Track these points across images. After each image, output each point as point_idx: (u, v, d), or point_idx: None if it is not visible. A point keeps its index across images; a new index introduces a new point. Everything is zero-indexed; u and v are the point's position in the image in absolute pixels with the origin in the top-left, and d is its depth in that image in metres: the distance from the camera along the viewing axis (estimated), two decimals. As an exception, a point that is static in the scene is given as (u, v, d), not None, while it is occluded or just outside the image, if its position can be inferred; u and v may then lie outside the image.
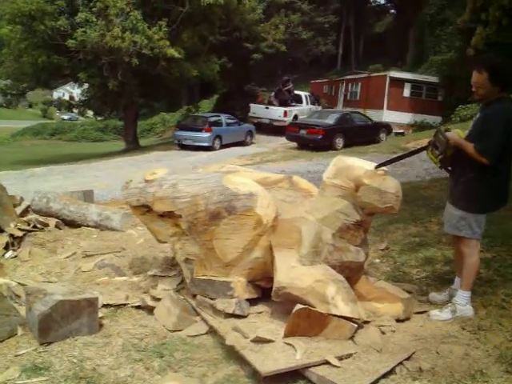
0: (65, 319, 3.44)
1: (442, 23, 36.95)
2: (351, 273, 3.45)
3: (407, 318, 3.53)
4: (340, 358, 2.96)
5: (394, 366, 2.93)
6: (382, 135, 20.90)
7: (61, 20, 18.33)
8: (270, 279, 3.69)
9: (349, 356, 3.00)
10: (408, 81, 27.54)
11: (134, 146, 22.64)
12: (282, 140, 22.09)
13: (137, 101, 20.43)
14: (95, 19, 17.45)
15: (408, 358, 3.03)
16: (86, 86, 21.24)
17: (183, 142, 20.07)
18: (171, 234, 4.04)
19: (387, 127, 21.67)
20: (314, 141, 18.63)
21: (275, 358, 2.92)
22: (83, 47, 17.52)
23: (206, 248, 3.71)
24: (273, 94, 26.46)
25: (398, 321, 3.47)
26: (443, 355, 3.07)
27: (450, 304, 3.63)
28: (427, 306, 3.80)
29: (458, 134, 3.53)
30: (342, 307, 3.12)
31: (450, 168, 3.66)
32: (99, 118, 44.09)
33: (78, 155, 23.40)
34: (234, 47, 25.41)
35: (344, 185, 3.35)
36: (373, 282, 3.68)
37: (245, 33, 23.73)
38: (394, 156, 3.74)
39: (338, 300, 3.13)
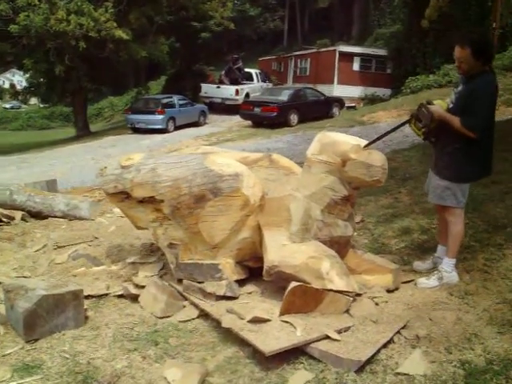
0: (50, 314, 3.34)
1: (385, -4, 37.48)
2: (340, 247, 3.48)
3: (396, 288, 3.60)
4: (339, 332, 2.99)
5: (392, 336, 2.98)
6: (335, 110, 21.06)
7: (1, 4, 17.49)
8: (258, 259, 3.69)
9: (347, 329, 3.04)
10: (357, 54, 27.83)
11: (84, 132, 22.05)
12: (236, 119, 22.01)
13: (85, 86, 19.80)
14: (38, 2, 16.72)
15: (404, 327, 3.09)
16: (28, 73, 20.32)
17: (136, 126, 19.67)
18: (152, 220, 3.96)
19: (340, 102, 21.85)
20: (268, 118, 18.63)
21: (276, 337, 2.92)
22: (27, 32, 16.79)
23: (191, 231, 3.66)
24: (223, 72, 26.19)
25: (388, 291, 3.53)
26: (436, 322, 3.14)
27: (436, 271, 3.72)
28: (413, 275, 3.88)
29: (441, 106, 3.57)
30: (338, 282, 3.15)
31: (433, 139, 3.70)
32: (42, 106, 42.91)
33: (27, 144, 22.66)
34: (181, 27, 24.95)
35: (330, 160, 3.34)
36: (361, 255, 3.72)
37: (192, 11, 23.29)
38: (379, 135, 3.77)
39: (332, 275, 3.15)
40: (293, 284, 3.13)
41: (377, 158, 3.31)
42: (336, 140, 3.39)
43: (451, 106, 3.59)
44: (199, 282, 3.68)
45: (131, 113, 20.36)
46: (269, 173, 3.81)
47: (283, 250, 3.29)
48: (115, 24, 17.23)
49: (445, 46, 22.21)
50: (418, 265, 4.02)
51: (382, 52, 27.81)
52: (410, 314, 3.25)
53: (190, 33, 26.33)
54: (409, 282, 3.76)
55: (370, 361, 2.79)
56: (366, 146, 3.42)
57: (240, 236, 3.55)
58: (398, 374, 2.69)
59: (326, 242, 3.39)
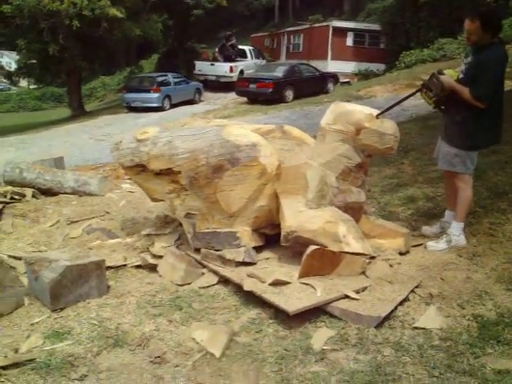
0: (74, 284, 3.46)
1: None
2: (354, 213, 3.62)
3: (407, 251, 3.77)
4: (357, 292, 3.15)
5: (408, 294, 3.15)
6: (330, 85, 21.09)
7: (-6, -15, 17.30)
8: (274, 226, 3.83)
9: (364, 289, 3.20)
10: (350, 30, 27.74)
11: (80, 112, 21.97)
12: (230, 96, 22.01)
13: (80, 65, 19.67)
14: (30, -18, 16.56)
15: (417, 286, 3.27)
16: (21, 53, 20.09)
17: (132, 104, 19.62)
18: (169, 191, 4.07)
19: (334, 77, 21.85)
20: (264, 94, 18.65)
21: (297, 298, 3.07)
22: (20, 12, 16.62)
23: (209, 201, 3.78)
24: (217, 49, 26.05)
25: (400, 254, 3.70)
26: (448, 281, 3.32)
27: (444, 235, 3.88)
28: (421, 240, 4.05)
29: (451, 76, 3.69)
30: (354, 244, 3.31)
31: (443, 108, 3.82)
32: (33, 87, 42.46)
33: (21, 125, 22.55)
34: (173, 4, 24.70)
35: (344, 129, 3.47)
36: (373, 220, 3.87)
37: (185, -12, 23.12)
38: (392, 103, 3.90)
39: (349, 238, 3.31)
40: (311, 247, 3.28)
41: (389, 127, 3.45)
42: (350, 109, 3.52)
43: (461, 76, 3.71)
44: (217, 250, 3.81)
45: (126, 91, 20.30)
46: (282, 143, 3.94)
47: (300, 216, 3.42)
48: (109, 2, 17.09)
49: (438, 20, 22.27)
50: (426, 229, 4.18)
51: (375, 27, 27.71)
52: (422, 274, 3.43)
53: (183, 10, 26.09)
54: (418, 245, 3.93)
55: (388, 317, 2.96)
56: (378, 114, 3.54)
57: (257, 204, 3.68)
58: (416, 328, 2.87)
59: (341, 207, 3.54)
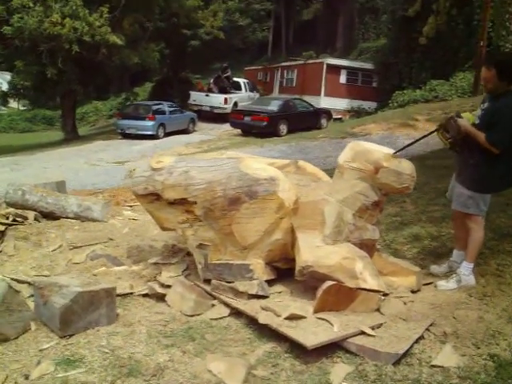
0: (85, 310, 3.43)
1: (370, 11, 38.17)
2: (368, 250, 3.67)
3: (418, 290, 3.81)
4: (372, 328, 3.18)
5: (423, 332, 3.18)
6: (323, 121, 21.44)
7: (-4, 6, 17.45)
8: (288, 260, 3.86)
9: (380, 326, 3.23)
10: (344, 67, 28.28)
11: (73, 136, 21.98)
12: (224, 127, 22.23)
13: (76, 89, 19.79)
14: (32, 5, 16.72)
15: (431, 324, 3.30)
16: (20, 75, 20.14)
17: (126, 131, 19.71)
18: (181, 221, 4.09)
19: (328, 113, 22.23)
20: (258, 127, 18.87)
21: (314, 332, 3.09)
22: (20, 34, 16.76)
23: (223, 233, 3.81)
24: (212, 81, 26.40)
25: (412, 292, 3.74)
26: (460, 320, 3.36)
27: (454, 274, 3.95)
28: (431, 278, 4.10)
29: (468, 119, 3.82)
30: (371, 281, 3.35)
31: (458, 150, 3.91)
32: (23, 108, 42.38)
33: (13, 147, 22.49)
34: (171, 34, 25.08)
35: (363, 167, 3.56)
36: (385, 258, 3.93)
37: (184, 19, 23.48)
38: (408, 142, 4.02)
39: (366, 275, 3.35)
40: (328, 283, 3.31)
41: (406, 167, 3.54)
42: (369, 149, 3.61)
43: (477, 121, 3.82)
44: (228, 282, 3.82)
45: (121, 118, 20.43)
46: (297, 178, 4.00)
47: (317, 251, 3.47)
48: (109, 29, 17.32)
49: (431, 62, 22.84)
50: (434, 268, 4.25)
51: (368, 66, 28.33)
52: (435, 312, 3.47)
53: (180, 40, 26.50)
54: (429, 284, 3.98)
55: (404, 355, 2.98)
56: (396, 152, 3.63)
57: (272, 237, 3.72)
58: (433, 366, 2.90)
59: (356, 244, 3.60)
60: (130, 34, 19.15)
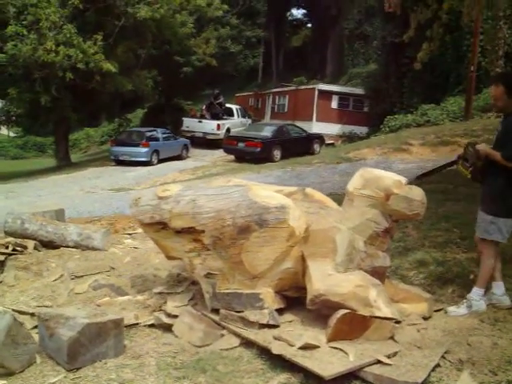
0: (92, 343, 3.37)
1: (359, 37, 38.78)
2: (379, 277, 3.65)
3: (430, 316, 3.79)
4: (388, 357, 3.14)
5: (438, 359, 3.15)
6: (316, 146, 21.60)
7: (-11, 33, 17.53)
8: (298, 289, 3.83)
9: (395, 354, 3.20)
10: (335, 93, 28.67)
11: (66, 163, 21.97)
12: (217, 153, 22.32)
13: (69, 116, 19.84)
14: (27, 33, 16.84)
15: (446, 352, 3.27)
16: (13, 102, 20.19)
17: (120, 158, 19.76)
18: (188, 250, 4.05)
19: (321, 138, 22.42)
20: (252, 153, 18.97)
21: (330, 362, 3.05)
22: (14, 61, 16.82)
23: (232, 261, 3.78)
24: (204, 107, 26.60)
25: (424, 319, 3.72)
26: (475, 346, 3.35)
27: (464, 300, 3.96)
28: (440, 304, 4.08)
29: (484, 145, 3.88)
30: (385, 309, 3.33)
31: (480, 178, 3.94)
32: (13, 135, 42.36)
33: (5, 174, 22.39)
34: (164, 61, 25.30)
35: (373, 194, 3.56)
36: (396, 285, 3.91)
37: (176, 46, 23.73)
38: (426, 170, 4.07)
39: (379, 303, 3.33)
40: (341, 311, 3.28)
41: (417, 193, 3.56)
42: (379, 175, 3.62)
43: (491, 146, 3.87)
44: (237, 312, 3.77)
45: (115, 145, 20.47)
46: (306, 206, 3.99)
47: (329, 279, 3.44)
48: (103, 56, 17.44)
49: (422, 87, 23.15)
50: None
51: (359, 91, 28.70)
52: (448, 339, 3.45)
53: (172, 67, 26.71)
54: (439, 310, 3.96)
55: (422, 383, 2.94)
56: (418, 177, 3.65)
57: (283, 266, 3.69)
58: (453, 395, 2.86)
59: (368, 271, 3.58)
60: (123, 61, 19.30)
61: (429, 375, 3.02)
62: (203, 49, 25.03)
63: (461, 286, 4.42)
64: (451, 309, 3.93)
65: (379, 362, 3.09)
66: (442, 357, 3.22)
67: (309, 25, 51.87)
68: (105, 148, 32.21)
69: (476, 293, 3.90)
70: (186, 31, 22.66)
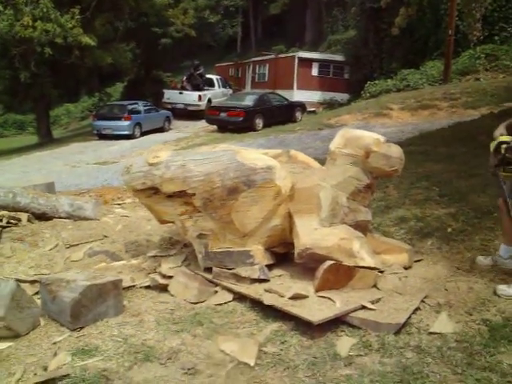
0: (93, 303, 3.54)
1: (337, 4, 38.52)
2: (361, 230, 3.87)
3: (410, 266, 4.04)
4: (372, 303, 3.38)
5: (419, 303, 3.41)
6: (298, 114, 21.71)
7: (-35, 12, 17.20)
8: (286, 245, 4.05)
9: (378, 300, 3.44)
10: (315, 60, 28.64)
11: (48, 139, 21.87)
12: (199, 124, 22.36)
13: (49, 92, 19.67)
14: (2, 8, 16.56)
15: (426, 296, 3.54)
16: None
17: (102, 132, 19.73)
18: (180, 213, 4.23)
19: (302, 106, 22.50)
20: (234, 123, 19.03)
21: (318, 309, 3.28)
22: (-9, 38, 16.65)
23: (223, 222, 3.97)
24: (185, 78, 26.45)
25: (405, 268, 3.97)
26: (452, 291, 3.62)
27: None
28: (420, 255, 4.33)
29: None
30: (368, 259, 3.56)
31: None
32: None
33: (-15, 152, 22.23)
34: (142, 33, 25.05)
35: (354, 153, 3.76)
36: (378, 238, 4.14)
37: (154, 18, 23.49)
38: None
39: (363, 253, 3.56)
40: (327, 262, 3.50)
41: (395, 151, 3.76)
42: (359, 135, 3.81)
43: None
44: (229, 269, 3.98)
45: (97, 119, 20.39)
46: (290, 166, 4.18)
47: (315, 234, 3.65)
48: (81, 30, 17.26)
49: (401, 52, 23.28)
50: (479, 260, 4.12)
51: (339, 58, 28.72)
52: (428, 286, 3.71)
53: (151, 39, 26.47)
54: (419, 260, 4.21)
55: (404, 325, 3.20)
56: None
57: (271, 224, 3.89)
58: (431, 333, 3.13)
59: (351, 225, 3.80)
60: (101, 34, 19.13)
61: (409, 317, 3.27)
62: (181, 19, 24.80)
63: (439, 239, 4.67)
64: (501, 287, 3.61)
65: (364, 307, 3.32)
66: (422, 301, 3.47)
67: (287, -9, 51.32)
68: (86, 123, 31.99)
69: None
70: (163, 2, 22.43)
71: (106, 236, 5.66)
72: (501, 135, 3.69)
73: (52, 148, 18.97)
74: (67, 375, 2.90)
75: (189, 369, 3.01)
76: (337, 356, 2.98)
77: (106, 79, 36.49)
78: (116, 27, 21.75)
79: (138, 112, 20.60)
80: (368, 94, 21.06)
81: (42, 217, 6.30)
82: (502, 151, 3.54)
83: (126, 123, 19.53)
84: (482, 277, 3.82)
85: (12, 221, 5.93)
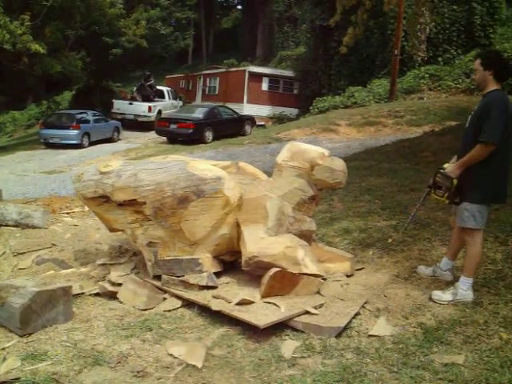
0: (43, 309, 3.57)
1: (289, 20, 39.30)
2: (306, 240, 4.05)
3: (352, 274, 4.25)
4: (315, 308, 3.56)
5: (359, 309, 3.60)
6: (247, 127, 21.97)
7: None
8: (233, 253, 4.19)
9: (321, 306, 3.62)
10: (266, 75, 29.15)
11: (-8, 147, 21.26)
12: (149, 135, 22.29)
13: (-6, 99, 19.20)
14: (-51, 13, 16.11)
15: (366, 302, 3.75)
16: None
17: (50, 141, 19.35)
18: (131, 221, 4.30)
19: (252, 120, 22.78)
20: (184, 135, 19.06)
21: (264, 314, 3.43)
22: None
23: (173, 230, 4.07)
24: (135, 89, 26.33)
25: (347, 276, 4.17)
26: (390, 297, 3.84)
27: (452, 287, 3.84)
28: (361, 264, 4.55)
29: (451, 166, 3.87)
30: (312, 267, 3.73)
31: (457, 200, 3.83)
32: None
33: None
34: (92, 42, 24.80)
35: (300, 166, 3.95)
36: (322, 247, 4.33)
37: (105, 28, 23.31)
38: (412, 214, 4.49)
39: (307, 261, 3.73)
40: (273, 270, 3.66)
41: (339, 164, 3.97)
42: (305, 149, 4.01)
43: (467, 125, 3.85)
44: (178, 277, 4.08)
45: (45, 127, 20.00)
46: (239, 178, 4.33)
47: (261, 242, 3.81)
48: (31, 37, 16.95)
49: (349, 70, 23.98)
50: (421, 269, 4.31)
51: (288, 73, 29.30)
52: (368, 292, 3.92)
53: (101, 48, 26.23)
54: (360, 269, 4.43)
55: (344, 328, 3.39)
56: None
57: (219, 232, 4.02)
58: (370, 336, 3.33)
59: (296, 235, 3.98)
60: (51, 42, 18.82)
61: (350, 321, 3.47)
62: (133, 30, 24.71)
63: (380, 249, 4.92)
64: (436, 292, 3.82)
65: (307, 312, 3.50)
66: (362, 307, 3.68)
67: (239, 7, 52.00)
68: (32, 132, 31.21)
69: (464, 282, 3.77)
70: (115, 12, 22.30)
71: (54, 244, 5.64)
72: (449, 163, 3.98)
73: (-4, 156, 18.49)
74: (17, 379, 2.93)
75: (138, 372, 3.09)
76: (281, 358, 3.13)
77: (54, 87, 35.77)
78: (67, 35, 21.46)
79: (87, 121, 20.33)
80: (316, 110, 21.55)
81: (-12, 224, 6.22)
82: (436, 176, 3.87)
83: (75, 132, 19.24)
84: (419, 284, 4.07)
85: (-44, 228, 5.83)
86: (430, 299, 3.81)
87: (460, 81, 19.50)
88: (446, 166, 3.94)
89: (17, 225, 6.19)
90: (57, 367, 3.07)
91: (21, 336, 3.43)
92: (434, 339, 3.21)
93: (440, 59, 21.73)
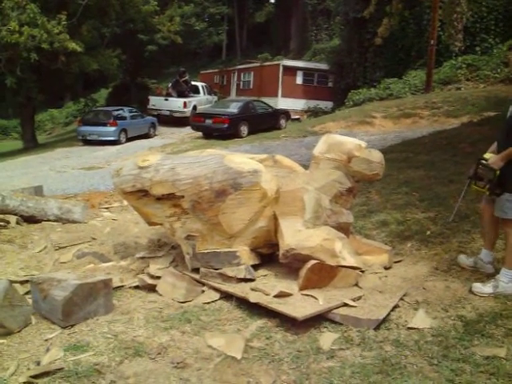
0: (84, 301, 3.66)
1: (322, 13, 38.98)
2: (343, 232, 4.04)
3: (390, 266, 4.21)
4: (353, 300, 3.54)
5: (398, 301, 3.57)
6: (282, 121, 21.88)
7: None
8: (271, 246, 4.20)
9: (359, 298, 3.61)
10: (300, 69, 28.94)
11: (33, 145, 21.80)
12: (185, 131, 22.44)
13: (35, 97, 19.65)
14: (-12, 14, 16.60)
15: (404, 295, 3.71)
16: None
17: (88, 138, 19.70)
18: (169, 215, 4.36)
19: (286, 114, 22.68)
20: (219, 130, 19.12)
21: (302, 306, 3.44)
22: (-23, 43, 16.63)
23: (210, 223, 4.11)
24: (170, 85, 26.54)
25: (385, 268, 4.14)
26: (429, 290, 3.79)
27: (492, 280, 3.78)
28: (400, 257, 4.50)
29: (493, 157, 3.78)
30: (349, 259, 3.72)
31: (498, 192, 3.75)
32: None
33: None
34: (128, 39, 25.14)
35: (337, 158, 3.94)
36: (360, 239, 4.31)
37: (140, 25, 23.60)
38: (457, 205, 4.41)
39: (345, 253, 3.73)
40: (311, 262, 3.66)
41: (376, 156, 3.94)
42: (342, 140, 3.99)
43: (510, 114, 3.81)
44: (216, 269, 4.12)
45: (82, 125, 20.38)
46: (276, 170, 4.34)
47: (299, 235, 3.81)
48: (68, 36, 17.29)
49: (384, 61, 23.66)
50: (461, 258, 4.24)
51: (323, 66, 29.06)
52: (406, 285, 3.89)
53: (137, 45, 26.56)
54: (399, 261, 4.39)
55: (383, 320, 3.37)
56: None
57: (257, 225, 4.05)
58: (410, 328, 3.31)
59: (334, 227, 3.97)
60: (88, 40, 19.18)
61: (389, 314, 3.45)
62: (167, 26, 24.88)
63: (418, 241, 4.86)
64: (477, 285, 3.76)
65: (345, 304, 3.49)
66: (401, 299, 3.66)
67: (272, 1, 51.78)
68: (70, 129, 31.91)
69: (505, 274, 3.71)
70: (150, 9, 22.53)
71: (94, 238, 5.76)
72: (488, 152, 3.92)
73: (37, 153, 18.92)
74: (61, 369, 3.00)
75: (178, 363, 3.14)
76: (319, 350, 3.14)
77: (91, 85, 36.47)
78: (102, 33, 21.84)
79: (124, 118, 20.61)
80: (351, 103, 21.34)
81: (31, 219, 6.40)
82: (478, 167, 3.80)
83: (112, 129, 19.53)
84: (459, 276, 4.01)
85: (1, 223, 6.01)
86: (470, 292, 3.75)
87: (498, 70, 18.95)
88: (487, 156, 3.87)
89: (57, 220, 6.34)
90: (98, 358, 3.14)
91: (63, 328, 3.53)
92: (474, 332, 3.17)
93: (477, 49, 21.19)
